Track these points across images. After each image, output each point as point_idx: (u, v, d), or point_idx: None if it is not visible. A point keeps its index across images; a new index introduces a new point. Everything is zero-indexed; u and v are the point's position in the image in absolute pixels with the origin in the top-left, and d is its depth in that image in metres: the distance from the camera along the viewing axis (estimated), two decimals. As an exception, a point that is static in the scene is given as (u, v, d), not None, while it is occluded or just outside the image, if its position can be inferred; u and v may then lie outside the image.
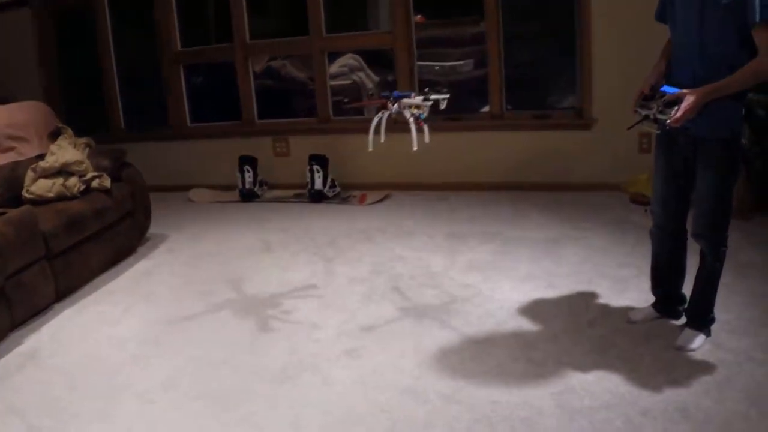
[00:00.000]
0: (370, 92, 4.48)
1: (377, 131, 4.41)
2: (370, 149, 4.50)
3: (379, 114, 4.44)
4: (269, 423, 3.70)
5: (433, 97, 4.45)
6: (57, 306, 5.28)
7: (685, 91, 3.61)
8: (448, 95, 4.50)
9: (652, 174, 4.28)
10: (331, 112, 8.18)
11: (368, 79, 9.03)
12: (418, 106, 4.36)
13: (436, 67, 8.81)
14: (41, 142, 6.25)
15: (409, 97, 4.42)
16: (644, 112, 3.81)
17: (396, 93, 4.44)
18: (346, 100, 4.57)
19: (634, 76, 4.18)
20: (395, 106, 4.39)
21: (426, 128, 4.32)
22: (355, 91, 8.97)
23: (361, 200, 7.65)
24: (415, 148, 4.29)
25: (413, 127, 4.31)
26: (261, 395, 3.96)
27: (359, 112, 8.45)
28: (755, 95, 5.58)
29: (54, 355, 4.58)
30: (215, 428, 3.68)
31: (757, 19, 3.47)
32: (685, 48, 3.81)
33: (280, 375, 4.17)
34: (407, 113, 4.36)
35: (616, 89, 6.65)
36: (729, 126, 3.76)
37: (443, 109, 4.55)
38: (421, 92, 4.48)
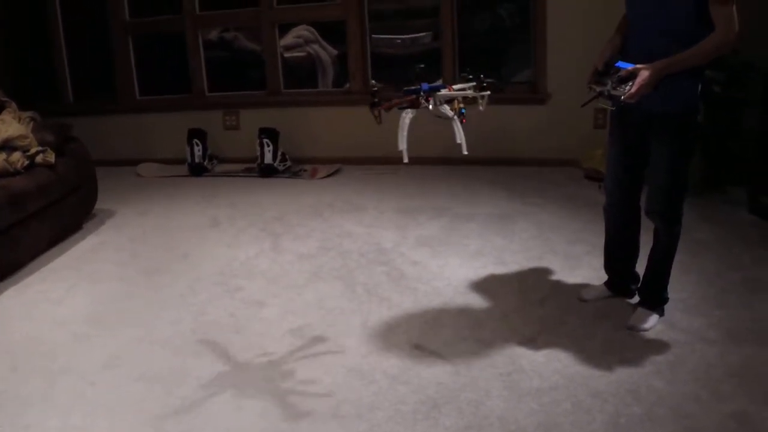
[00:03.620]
0: (375, 88, 3.57)
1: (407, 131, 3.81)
2: (406, 161, 3.91)
3: (408, 114, 3.77)
4: (211, 404, 3.62)
5: (467, 92, 3.88)
6: (0, 284, 5.16)
7: (639, 66, 3.56)
8: (488, 92, 4.01)
9: (606, 150, 4.24)
10: (282, 85, 8.09)
11: (324, 51, 8.94)
12: (461, 99, 3.79)
13: (398, 40, 8.74)
14: (-17, 117, 6.10)
15: (441, 89, 3.78)
16: (598, 89, 3.75)
17: (425, 86, 3.75)
18: (376, 100, 3.53)
19: (591, 50, 4.12)
20: (430, 101, 3.73)
21: (461, 130, 3.81)
22: (311, 63, 8.88)
23: (313, 174, 7.57)
24: (465, 152, 3.88)
25: (458, 126, 3.79)
26: (203, 375, 3.88)
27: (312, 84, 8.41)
28: (712, 72, 5.56)
29: (-5, 335, 4.48)
30: (156, 410, 3.59)
31: None
32: (641, 23, 3.77)
33: (223, 354, 4.09)
34: (447, 110, 3.78)
35: (572, 63, 6.61)
36: (684, 102, 3.73)
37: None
38: (462, 80, 3.96)
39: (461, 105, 3.75)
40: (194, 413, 3.55)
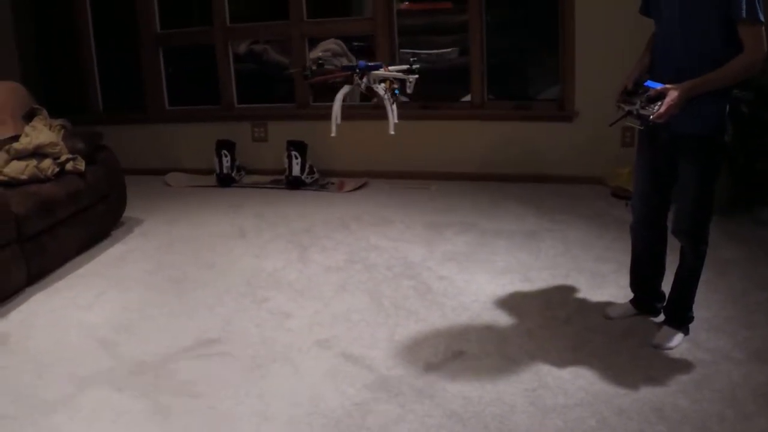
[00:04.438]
0: (321, 61, 3.84)
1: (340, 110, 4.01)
2: (333, 134, 4.13)
3: (343, 90, 3.98)
4: (237, 413, 3.64)
5: (400, 69, 4.02)
6: (28, 290, 5.20)
7: (668, 86, 3.57)
8: (416, 76, 4.14)
9: (634, 168, 4.24)
10: (311, 98, 8.11)
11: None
12: (393, 80, 3.92)
13: (423, 55, 8.75)
14: (16, 123, 6.15)
15: (379, 68, 3.93)
16: (627, 108, 3.76)
17: (362, 63, 3.93)
18: (307, 73, 3.79)
19: (618, 69, 4.14)
20: (364, 79, 3.89)
21: (394, 112, 3.96)
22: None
23: (340, 187, 7.59)
24: (392, 132, 3.93)
25: (389, 105, 3.93)
26: (229, 384, 3.90)
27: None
28: (740, 92, 5.55)
29: (23, 340, 4.50)
30: (182, 418, 3.62)
31: (744, 16, 3.44)
32: (669, 42, 3.77)
33: (249, 364, 4.11)
34: (380, 88, 3.91)
35: (600, 81, 6.61)
36: (712, 123, 3.73)
37: (411, 94, 4.17)
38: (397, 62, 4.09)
39: (395, 86, 3.84)
40: (220, 422, 3.58)
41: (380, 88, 3.90)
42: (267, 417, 3.60)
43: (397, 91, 3.92)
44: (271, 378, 3.97)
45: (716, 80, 3.55)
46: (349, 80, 3.92)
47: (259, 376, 4.00)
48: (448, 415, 3.53)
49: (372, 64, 3.90)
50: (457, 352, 4.16)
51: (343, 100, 3.97)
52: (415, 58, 4.03)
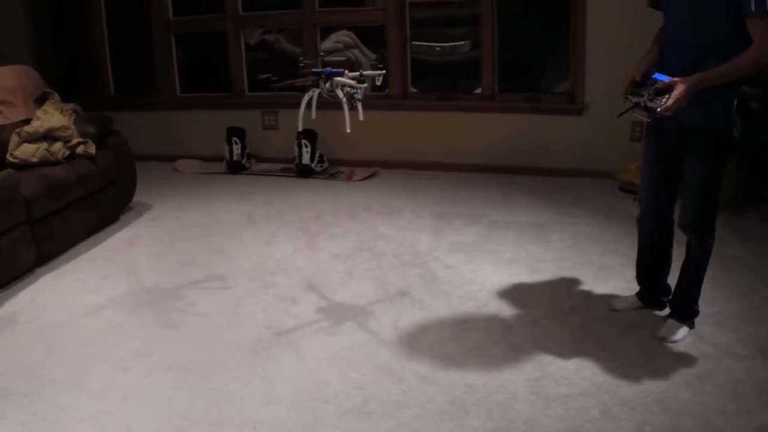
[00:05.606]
0: (301, 63, 4.24)
1: (308, 108, 4.29)
2: (300, 129, 4.42)
3: (310, 92, 4.28)
4: (241, 395, 3.67)
5: (367, 72, 4.34)
6: (37, 271, 5.24)
7: (676, 79, 3.57)
8: (383, 71, 4.42)
9: (641, 162, 4.24)
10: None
11: (363, 56, 8.96)
12: (351, 86, 4.20)
13: (437, 48, 8.75)
14: (27, 106, 6.18)
15: (342, 74, 4.22)
16: (635, 100, 3.76)
17: (328, 70, 4.22)
18: (274, 78, 4.34)
19: (628, 62, 4.12)
20: (327, 84, 4.21)
21: (360, 106, 4.22)
22: (350, 68, 8.89)
23: (350, 176, 7.61)
24: (348, 130, 4.18)
25: (346, 108, 4.19)
26: (234, 367, 3.93)
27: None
28: (749, 88, 5.55)
29: (32, 320, 4.54)
30: (186, 398, 3.64)
31: (753, 9, 3.42)
32: (677, 35, 3.76)
33: (255, 347, 4.14)
34: (340, 93, 4.20)
35: (610, 75, 6.59)
36: (720, 116, 3.72)
37: (378, 86, 4.50)
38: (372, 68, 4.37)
39: (354, 90, 4.16)
40: (224, 404, 3.60)
41: (340, 93, 4.20)
42: (271, 399, 3.63)
43: (355, 95, 4.20)
44: (276, 361, 3.99)
45: (725, 74, 3.54)
46: (315, 84, 4.25)
47: (264, 358, 4.02)
48: (450, 401, 3.55)
49: (335, 70, 4.23)
50: (462, 339, 4.17)
51: (309, 101, 4.31)
52: (382, 64, 4.34)
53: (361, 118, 4.18)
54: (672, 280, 4.32)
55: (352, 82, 4.20)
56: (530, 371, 3.81)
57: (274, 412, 3.53)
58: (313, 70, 4.24)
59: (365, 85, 4.25)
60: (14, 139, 5.75)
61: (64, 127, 5.85)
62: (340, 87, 4.20)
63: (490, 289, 4.83)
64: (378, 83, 4.41)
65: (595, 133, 7.16)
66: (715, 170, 3.82)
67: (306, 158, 7.67)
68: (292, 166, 7.82)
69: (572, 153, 7.36)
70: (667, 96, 3.56)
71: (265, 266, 5.31)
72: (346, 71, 4.26)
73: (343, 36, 8.85)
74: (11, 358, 4.08)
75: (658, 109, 3.59)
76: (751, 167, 6.12)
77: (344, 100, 4.18)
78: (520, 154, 7.50)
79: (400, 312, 4.54)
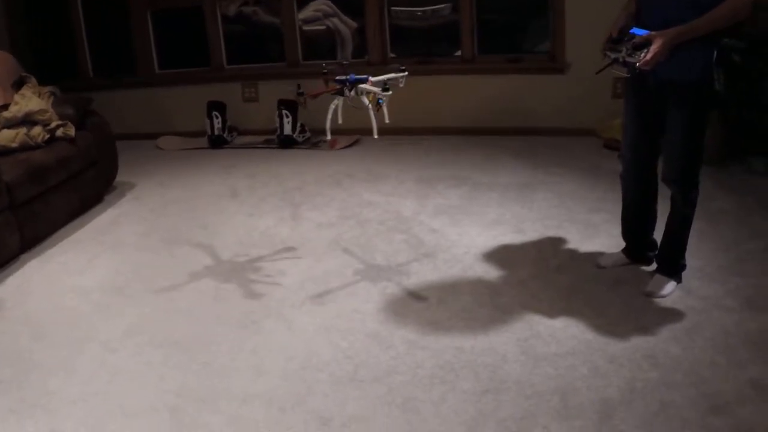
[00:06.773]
0: (324, 70, 4.24)
1: (334, 116, 4.34)
2: (328, 138, 4.42)
3: (336, 101, 4.31)
4: (231, 369, 3.67)
5: (391, 76, 4.36)
6: (23, 257, 5.21)
7: (654, 33, 3.56)
8: (405, 73, 4.43)
9: (623, 117, 4.23)
10: (300, 56, 8.09)
11: (343, 24, 8.92)
12: (376, 93, 4.26)
13: (419, 12, 8.72)
14: (5, 91, 6.12)
15: (366, 81, 4.25)
16: (613, 56, 3.76)
17: (353, 77, 4.24)
18: (301, 91, 4.36)
19: (609, 20, 4.10)
20: (352, 92, 4.25)
21: (385, 108, 4.29)
22: (330, 37, 8.86)
23: (332, 145, 7.57)
24: (375, 137, 4.29)
25: (372, 114, 4.24)
26: (224, 341, 3.93)
27: (332, 56, 8.41)
28: (731, 41, 5.52)
29: (19, 306, 4.52)
30: (177, 375, 3.64)
31: None
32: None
33: (243, 320, 4.14)
34: (365, 100, 4.25)
35: (590, 33, 6.51)
36: (699, 69, 3.71)
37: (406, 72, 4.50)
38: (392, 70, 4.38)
39: (380, 96, 4.22)
40: (215, 378, 3.60)
41: (365, 100, 4.27)
42: (261, 371, 3.63)
43: (381, 101, 4.27)
44: (266, 333, 4.00)
45: (703, 26, 3.54)
46: (340, 92, 4.27)
47: (253, 331, 4.02)
48: (440, 366, 3.56)
49: (360, 77, 4.25)
50: (449, 303, 4.18)
51: (335, 109, 4.34)
52: (404, 67, 4.43)
53: (387, 120, 4.31)
54: (658, 235, 4.33)
55: (377, 90, 4.24)
56: (519, 332, 3.82)
57: (265, 383, 3.53)
58: (338, 78, 4.26)
59: (390, 92, 4.30)
60: (-7, 124, 5.72)
61: (42, 111, 5.80)
62: (365, 94, 4.26)
63: (475, 251, 4.83)
64: (401, 85, 4.44)
65: (578, 92, 7.14)
66: (697, 124, 3.82)
67: (288, 129, 7.64)
68: (274, 137, 7.79)
69: (555, 112, 7.35)
70: (645, 50, 3.56)
71: (250, 239, 5.30)
72: (370, 77, 4.30)
73: (321, 5, 8.81)
74: (-1, 344, 4.08)
75: (637, 64, 3.59)
76: (734, 121, 6.11)
77: (370, 106, 4.24)
78: (503, 116, 7.48)
79: (387, 278, 4.54)
